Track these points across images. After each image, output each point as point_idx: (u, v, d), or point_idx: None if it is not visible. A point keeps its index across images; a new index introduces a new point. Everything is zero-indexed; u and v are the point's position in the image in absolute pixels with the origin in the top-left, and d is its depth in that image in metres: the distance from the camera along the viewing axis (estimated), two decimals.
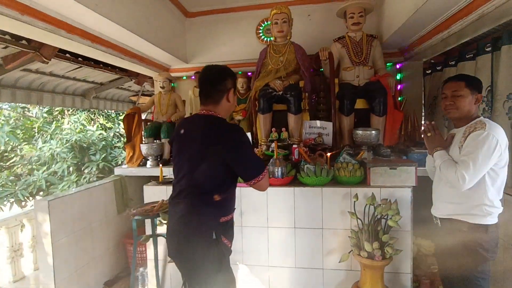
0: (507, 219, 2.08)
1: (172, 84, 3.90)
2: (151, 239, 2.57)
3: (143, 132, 3.52)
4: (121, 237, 3.45)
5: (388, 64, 3.64)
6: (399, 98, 3.25)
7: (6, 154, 6.17)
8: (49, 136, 6.55)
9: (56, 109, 7.63)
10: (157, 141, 3.50)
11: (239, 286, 2.43)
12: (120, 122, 8.52)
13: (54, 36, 2.36)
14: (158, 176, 2.88)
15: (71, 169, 5.69)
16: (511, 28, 2.23)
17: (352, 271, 2.43)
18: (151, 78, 4.49)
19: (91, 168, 5.67)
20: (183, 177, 1.61)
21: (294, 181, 2.58)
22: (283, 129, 3.12)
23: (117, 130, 7.29)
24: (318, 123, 3.06)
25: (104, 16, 2.31)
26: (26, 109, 7.44)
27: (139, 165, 3.42)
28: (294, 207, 2.50)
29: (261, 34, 3.95)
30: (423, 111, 3.95)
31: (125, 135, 3.56)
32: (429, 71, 3.78)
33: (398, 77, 3.72)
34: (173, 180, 1.72)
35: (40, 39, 2.52)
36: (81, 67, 4.07)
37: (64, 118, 7.86)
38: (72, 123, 7.04)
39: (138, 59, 3.50)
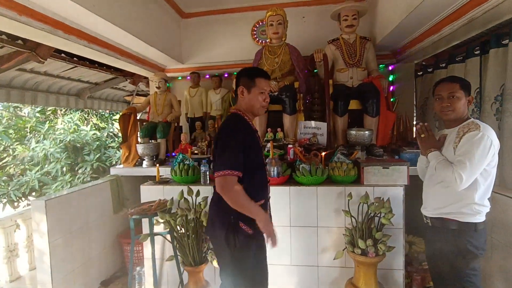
0: (494, 216, 2.16)
1: (168, 84, 3.91)
2: (148, 238, 2.59)
3: (139, 132, 3.54)
4: (118, 237, 3.46)
5: (380, 65, 3.71)
6: (392, 99, 3.32)
7: None
8: (42, 136, 6.50)
9: (48, 108, 7.55)
10: (153, 141, 3.52)
11: None
12: (114, 122, 8.46)
13: (51, 37, 2.37)
14: (154, 176, 2.90)
15: (64, 169, 5.66)
16: (498, 32, 2.30)
17: (346, 268, 2.48)
18: (146, 78, 4.50)
19: (85, 168, 5.64)
20: None
21: (290, 181, 2.63)
22: (279, 129, 3.17)
23: (111, 130, 7.25)
24: (312, 123, 3.12)
25: (101, 17, 2.33)
26: (18, 108, 7.36)
27: (135, 165, 3.44)
28: (289, 206, 2.54)
29: (256, 36, 3.99)
30: (414, 111, 4.03)
31: (120, 135, 3.56)
32: (421, 72, 3.84)
33: (390, 78, 3.79)
34: None
35: (37, 40, 2.53)
36: (76, 67, 4.05)
37: (57, 118, 7.78)
38: (66, 123, 6.98)
39: (134, 60, 3.52)
